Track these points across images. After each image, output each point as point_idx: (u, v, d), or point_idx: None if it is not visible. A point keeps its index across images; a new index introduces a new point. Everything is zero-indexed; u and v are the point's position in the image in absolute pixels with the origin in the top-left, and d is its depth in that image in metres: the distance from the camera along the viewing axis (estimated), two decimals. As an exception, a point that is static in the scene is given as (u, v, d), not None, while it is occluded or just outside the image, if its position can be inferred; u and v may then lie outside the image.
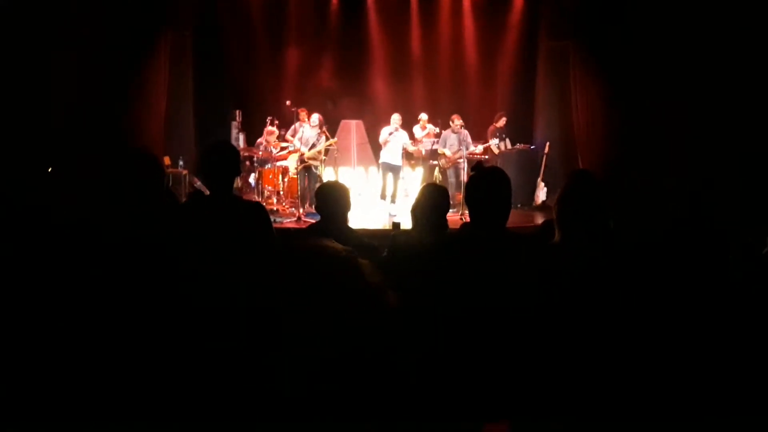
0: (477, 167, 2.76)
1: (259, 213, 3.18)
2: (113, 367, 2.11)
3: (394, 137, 9.31)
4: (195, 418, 2.04)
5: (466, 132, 9.61)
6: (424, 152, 10.11)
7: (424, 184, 3.37)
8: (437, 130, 10.13)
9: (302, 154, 9.19)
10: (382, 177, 9.49)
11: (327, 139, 9.46)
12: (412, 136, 10.30)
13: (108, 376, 2.10)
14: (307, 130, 9.40)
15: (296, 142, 9.37)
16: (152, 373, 2.11)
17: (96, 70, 8.02)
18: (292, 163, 9.38)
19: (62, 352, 2.11)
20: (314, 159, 9.19)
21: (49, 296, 2.19)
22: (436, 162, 9.98)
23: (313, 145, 9.24)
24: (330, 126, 9.92)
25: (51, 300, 2.19)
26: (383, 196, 9.44)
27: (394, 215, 8.96)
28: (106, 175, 2.66)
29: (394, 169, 9.41)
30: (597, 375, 2.31)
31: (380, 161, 9.58)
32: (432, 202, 3.15)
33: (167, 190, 3.00)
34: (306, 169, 9.15)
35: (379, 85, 11.63)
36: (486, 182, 2.65)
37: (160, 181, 2.78)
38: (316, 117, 9.44)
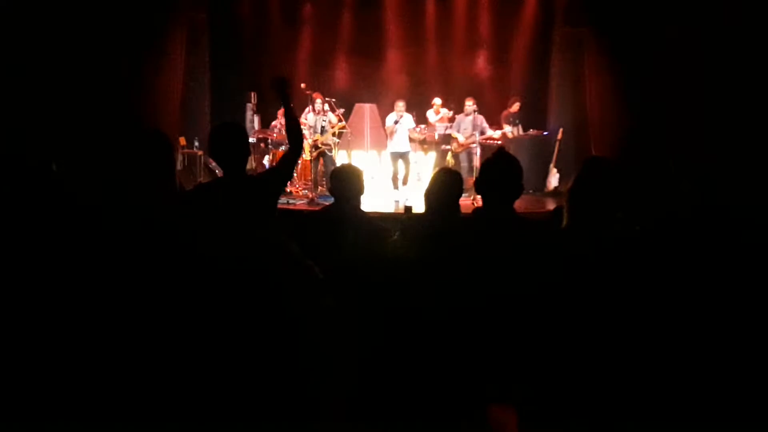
0: (497, 151, 2.80)
1: (268, 180, 3.23)
2: (121, 361, 2.13)
3: (399, 125, 9.25)
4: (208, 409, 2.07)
5: (481, 117, 9.56)
6: (437, 137, 10.10)
7: (438, 168, 3.38)
8: (451, 113, 10.11)
9: (315, 141, 9.14)
10: (393, 165, 9.43)
11: (338, 120, 9.46)
12: (425, 121, 10.27)
13: (117, 369, 2.12)
14: (310, 117, 9.32)
15: (305, 131, 9.29)
16: (162, 367, 2.14)
17: (112, 50, 8.05)
18: (305, 150, 9.34)
19: (65, 345, 2.14)
20: (327, 143, 9.19)
21: (54, 284, 2.22)
22: (449, 147, 9.97)
23: (323, 129, 9.18)
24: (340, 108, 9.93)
25: (57, 290, 2.21)
26: (395, 186, 9.40)
27: (406, 199, 8.99)
28: (116, 155, 2.69)
29: (403, 156, 9.37)
30: (602, 360, 2.34)
31: (389, 151, 9.51)
32: (446, 186, 3.18)
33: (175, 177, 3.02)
34: (320, 153, 9.14)
35: (394, 68, 11.60)
36: (495, 167, 2.69)
37: (171, 161, 2.79)
38: (319, 102, 9.34)
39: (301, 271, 2.30)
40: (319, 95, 9.52)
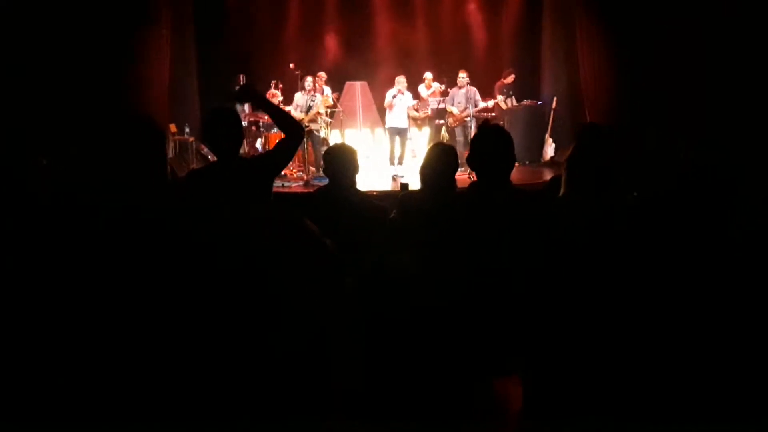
0: (482, 126, 2.79)
1: (263, 163, 3.21)
2: (121, 355, 2.10)
3: (399, 100, 9.22)
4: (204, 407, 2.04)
5: (474, 89, 9.50)
6: (430, 112, 10.04)
7: (433, 143, 3.36)
8: (443, 87, 10.03)
9: (302, 121, 9.06)
10: (390, 141, 9.41)
11: (325, 98, 9.38)
12: (417, 96, 10.20)
13: (117, 364, 2.10)
14: (299, 97, 9.27)
15: (294, 112, 9.13)
16: (157, 363, 2.11)
17: (96, 39, 7.93)
18: None
19: (58, 337, 2.11)
20: (314, 122, 9.10)
21: (47, 278, 2.19)
22: (442, 121, 9.91)
23: (309, 108, 9.12)
24: (334, 86, 9.85)
25: (50, 283, 2.18)
26: (392, 162, 9.38)
27: (402, 176, 8.96)
28: (106, 145, 2.65)
29: (401, 132, 9.36)
30: (605, 330, 2.34)
31: (386, 126, 9.49)
32: (440, 162, 3.16)
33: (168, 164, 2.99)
34: (308, 133, 9.08)
35: (384, 44, 11.50)
36: (484, 140, 2.67)
37: (161, 148, 2.77)
38: (309, 81, 9.25)
39: (320, 249, 2.26)
40: (322, 76, 9.45)
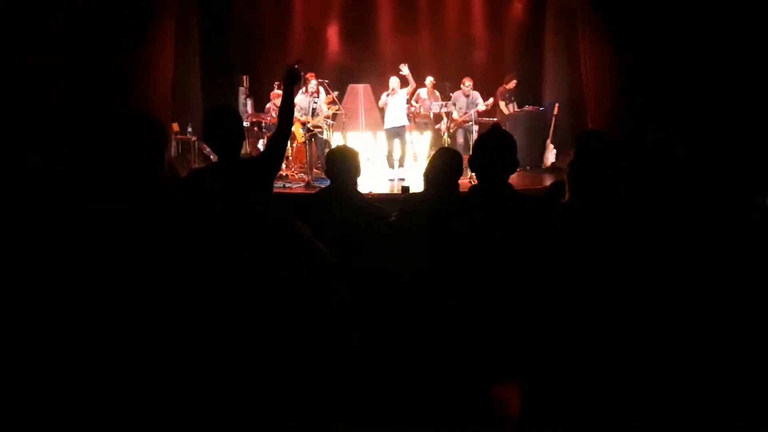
0: (491, 128, 2.80)
1: (261, 162, 3.27)
2: (120, 357, 2.09)
3: (391, 99, 9.19)
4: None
5: (476, 94, 9.49)
6: (432, 115, 10.03)
7: (439, 147, 3.37)
8: (440, 99, 10.01)
9: (305, 123, 9.06)
10: (388, 144, 9.37)
11: (332, 102, 9.38)
12: (418, 99, 10.16)
13: (116, 365, 2.08)
14: (300, 98, 9.18)
15: (297, 113, 9.07)
16: (165, 362, 2.10)
17: (99, 37, 7.93)
18: (297, 132, 9.23)
19: (56, 337, 2.10)
20: (318, 126, 9.09)
21: (43, 280, 2.17)
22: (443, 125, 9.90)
23: (314, 112, 9.11)
24: (334, 89, 9.84)
25: (47, 285, 2.17)
26: (391, 165, 9.35)
27: (403, 179, 8.94)
28: (109, 140, 2.64)
29: (400, 132, 9.32)
30: (607, 337, 2.33)
31: (384, 128, 9.45)
32: (446, 165, 3.16)
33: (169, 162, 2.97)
34: (312, 136, 9.07)
35: (388, 47, 11.51)
36: (489, 143, 2.68)
37: (164, 145, 2.76)
38: (314, 83, 9.22)
39: (312, 253, 2.25)
40: (313, 76, 9.40)
